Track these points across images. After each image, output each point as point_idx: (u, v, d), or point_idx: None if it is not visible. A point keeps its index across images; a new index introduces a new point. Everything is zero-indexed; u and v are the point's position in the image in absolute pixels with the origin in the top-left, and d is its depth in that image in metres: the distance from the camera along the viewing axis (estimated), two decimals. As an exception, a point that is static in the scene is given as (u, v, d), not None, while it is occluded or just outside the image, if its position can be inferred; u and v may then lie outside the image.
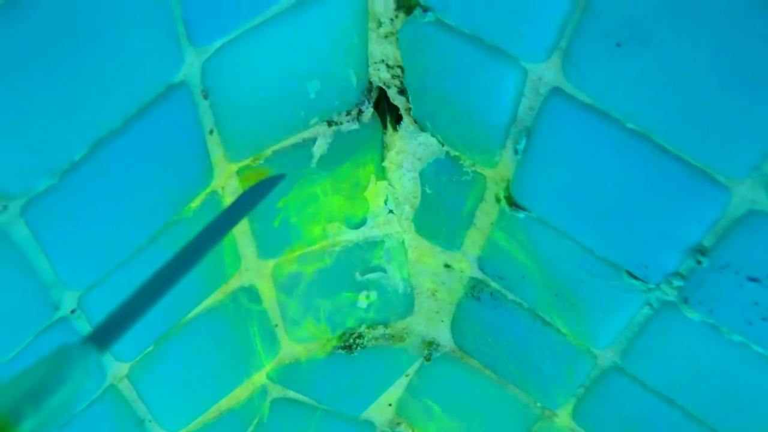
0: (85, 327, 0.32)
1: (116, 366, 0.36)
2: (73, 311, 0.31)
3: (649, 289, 0.33)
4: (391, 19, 0.34)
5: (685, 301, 0.32)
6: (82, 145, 0.26)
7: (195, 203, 0.34)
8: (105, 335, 0.23)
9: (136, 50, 0.26)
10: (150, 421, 0.41)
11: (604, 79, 0.28)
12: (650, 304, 0.34)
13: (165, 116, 0.29)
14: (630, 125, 0.28)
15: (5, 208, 0.25)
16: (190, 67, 0.29)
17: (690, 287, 0.31)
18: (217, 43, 0.29)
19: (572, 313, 0.38)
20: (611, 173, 0.30)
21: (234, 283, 0.40)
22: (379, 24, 0.34)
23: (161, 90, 0.28)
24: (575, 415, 0.42)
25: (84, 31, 0.24)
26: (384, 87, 0.37)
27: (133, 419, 0.39)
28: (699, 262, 0.30)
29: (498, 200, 0.36)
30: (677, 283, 0.31)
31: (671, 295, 0.32)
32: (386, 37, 0.34)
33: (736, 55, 0.24)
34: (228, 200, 0.36)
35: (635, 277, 0.33)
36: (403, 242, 0.43)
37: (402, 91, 0.36)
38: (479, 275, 0.41)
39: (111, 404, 0.37)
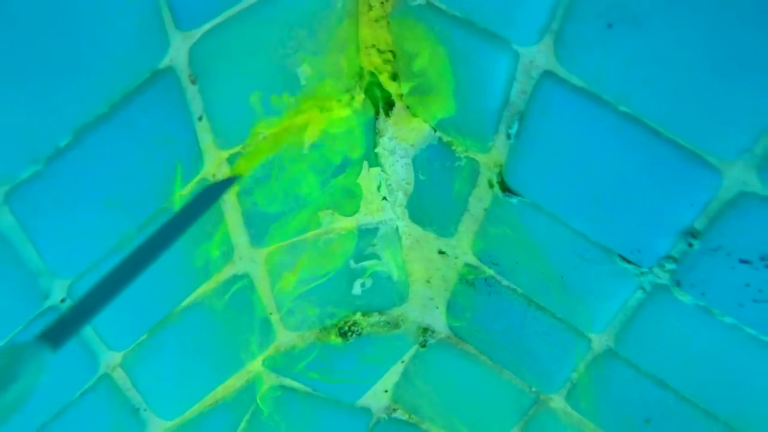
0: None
1: (109, 355, 0.36)
2: (63, 300, 0.31)
3: (642, 273, 0.33)
4: (382, 3, 0.33)
5: (678, 284, 0.32)
6: (66, 132, 0.26)
7: (185, 190, 0.33)
8: (58, 333, 0.24)
9: (121, 35, 0.26)
10: (145, 409, 0.41)
11: (596, 62, 0.28)
12: (643, 288, 0.33)
13: (152, 102, 0.28)
14: (622, 108, 0.28)
15: (-11, 195, 0.25)
16: (177, 52, 0.28)
17: (682, 270, 0.31)
18: (204, 27, 0.29)
19: (566, 298, 0.38)
20: (603, 157, 0.30)
21: (227, 272, 0.40)
22: (370, 8, 0.34)
23: (147, 75, 0.28)
24: (570, 398, 0.43)
25: (68, 16, 0.24)
26: (375, 72, 0.36)
27: (128, 408, 0.39)
28: (691, 245, 0.30)
29: (491, 186, 0.36)
30: (669, 266, 0.31)
31: (664, 279, 0.32)
32: (377, 21, 0.34)
33: (728, 36, 0.24)
34: (219, 187, 0.36)
35: (628, 261, 0.33)
36: (396, 229, 0.43)
37: (393, 76, 0.36)
38: (473, 261, 0.41)
39: (105, 393, 0.37)
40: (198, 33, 0.29)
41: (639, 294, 0.34)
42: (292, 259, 0.42)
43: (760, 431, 0.34)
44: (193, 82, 0.30)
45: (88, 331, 0.34)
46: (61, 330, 0.24)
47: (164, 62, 0.28)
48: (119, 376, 0.38)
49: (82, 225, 0.29)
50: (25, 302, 0.30)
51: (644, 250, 0.32)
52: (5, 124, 0.24)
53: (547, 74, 0.29)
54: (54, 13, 0.23)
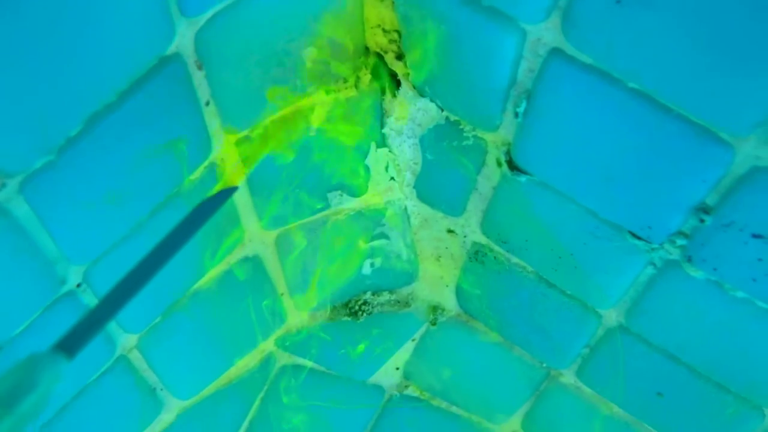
0: (92, 300, 0.33)
1: (125, 337, 0.37)
2: (79, 285, 0.31)
3: (653, 249, 0.33)
4: (387, -18, 0.33)
5: (689, 259, 0.32)
6: (77, 121, 0.26)
7: (195, 175, 0.34)
8: (73, 343, 0.25)
9: (128, 23, 0.26)
10: (162, 389, 0.41)
11: (605, 39, 0.27)
12: (654, 264, 0.33)
13: (160, 88, 0.28)
14: (631, 85, 0.28)
15: (4, 185, 0.25)
16: (183, 38, 0.28)
17: (693, 246, 0.31)
18: (209, 13, 0.29)
19: (576, 275, 0.38)
20: (613, 134, 0.30)
21: (238, 254, 0.40)
22: (375, -12, 0.34)
23: (154, 62, 0.28)
24: (580, 374, 0.43)
25: (74, 7, 0.24)
26: (381, 52, 0.36)
27: (145, 388, 0.40)
28: (702, 221, 0.30)
29: (499, 164, 0.36)
30: (680, 242, 0.31)
31: (674, 255, 0.32)
32: (382, 1, 0.34)
33: (739, 10, 0.24)
34: (229, 171, 0.36)
35: (638, 238, 0.33)
36: (405, 209, 0.43)
37: (399, 56, 0.36)
38: (482, 240, 0.41)
39: (122, 374, 0.38)
40: (203, 19, 0.29)
41: (650, 270, 0.34)
42: (302, 241, 0.42)
43: (771, 404, 0.35)
44: (200, 67, 0.30)
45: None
46: (76, 338, 0.25)
47: (170, 49, 0.28)
48: (135, 357, 0.38)
49: (95, 212, 0.29)
50: (43, 289, 0.30)
51: (655, 226, 0.32)
52: (17, 116, 0.24)
53: (555, 52, 0.29)
54: (60, 4, 0.23)
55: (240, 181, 0.37)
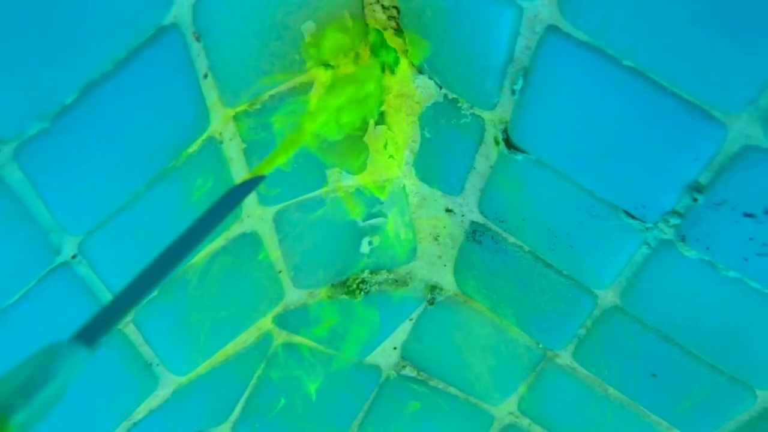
0: (87, 272, 0.33)
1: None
2: (74, 256, 0.32)
3: (647, 229, 0.33)
4: (386, -42, 0.33)
5: (683, 239, 0.32)
6: (72, 89, 0.26)
7: (192, 148, 0.34)
8: (92, 333, 0.25)
9: (124, -9, 0.26)
10: (158, 364, 0.42)
11: (600, 16, 0.27)
12: (648, 244, 0.34)
13: (157, 59, 0.28)
14: (626, 62, 0.28)
15: (-2, 151, 0.26)
16: (180, 7, 0.28)
17: (687, 225, 0.31)
18: (208, -17, 0.29)
19: (572, 255, 0.38)
20: (608, 112, 0.30)
21: (236, 230, 0.40)
22: (374, -37, 0.34)
23: (152, 32, 0.28)
24: (577, 354, 0.43)
25: (70, -27, 0.24)
26: (380, 29, 0.36)
27: (140, 363, 0.40)
28: (695, 200, 0.30)
29: (497, 143, 0.36)
30: (674, 221, 0.31)
31: (669, 234, 0.32)
32: (381, -24, 0.34)
33: (732, -14, 0.24)
34: (226, 146, 0.36)
35: (633, 217, 0.33)
36: (404, 187, 0.43)
37: (398, 33, 0.36)
38: (480, 219, 0.41)
39: (118, 348, 0.38)
40: (201, -11, 0.29)
41: (644, 249, 0.34)
42: (299, 217, 0.43)
43: (762, 381, 0.35)
44: (198, 39, 0.30)
45: (99, 288, 0.35)
46: (95, 329, 0.25)
47: (168, 18, 0.28)
48: (131, 331, 0.38)
49: (91, 181, 0.30)
50: (37, 258, 0.30)
51: (649, 205, 0.32)
52: (11, 81, 0.24)
53: (552, 29, 0.29)
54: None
55: (238, 155, 0.37)
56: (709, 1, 0.24)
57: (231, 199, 0.32)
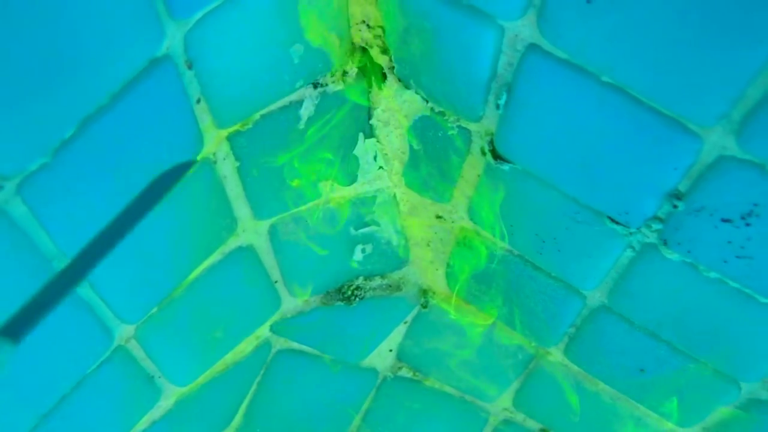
0: (89, 294, 0.34)
1: (123, 328, 0.37)
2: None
3: (631, 233, 0.34)
4: (370, -21, 0.34)
5: (665, 242, 0.33)
6: (70, 123, 0.27)
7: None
8: (15, 329, 0.25)
9: (118, 27, 0.27)
10: (160, 377, 0.42)
11: (578, 35, 0.28)
12: (632, 247, 0.35)
13: (151, 89, 0.29)
14: (605, 78, 0.29)
15: (1, 188, 0.26)
16: (173, 39, 0.29)
17: (668, 230, 0.32)
18: (198, 15, 0.29)
19: (560, 258, 0.39)
20: (590, 125, 0.31)
21: (231, 244, 0.41)
22: (358, -16, 0.34)
23: (145, 65, 0.28)
24: (568, 352, 0.44)
25: (65, 13, 0.25)
26: (367, 47, 0.37)
27: (143, 376, 0.41)
28: (675, 206, 0.31)
29: (483, 153, 0.37)
30: (656, 226, 0.33)
31: (651, 238, 0.33)
32: (366, -4, 0.35)
33: (704, 8, 0.25)
34: (220, 165, 0.37)
35: (617, 222, 0.34)
36: (394, 196, 0.44)
37: (384, 51, 0.37)
38: (470, 225, 0.42)
39: (121, 364, 0.39)
40: (192, 20, 0.29)
41: (629, 253, 0.35)
42: (294, 229, 0.43)
43: (745, 374, 0.36)
44: (190, 67, 0.31)
45: (101, 307, 0.35)
46: (20, 324, 0.25)
47: (161, 51, 0.29)
48: (133, 347, 0.39)
49: (90, 210, 0.30)
50: (40, 285, 0.31)
51: (632, 211, 0.33)
52: (13, 120, 0.25)
53: (532, 47, 0.30)
54: (51, 11, 0.24)
55: (232, 172, 0.37)
56: (682, 21, 0.25)
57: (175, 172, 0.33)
